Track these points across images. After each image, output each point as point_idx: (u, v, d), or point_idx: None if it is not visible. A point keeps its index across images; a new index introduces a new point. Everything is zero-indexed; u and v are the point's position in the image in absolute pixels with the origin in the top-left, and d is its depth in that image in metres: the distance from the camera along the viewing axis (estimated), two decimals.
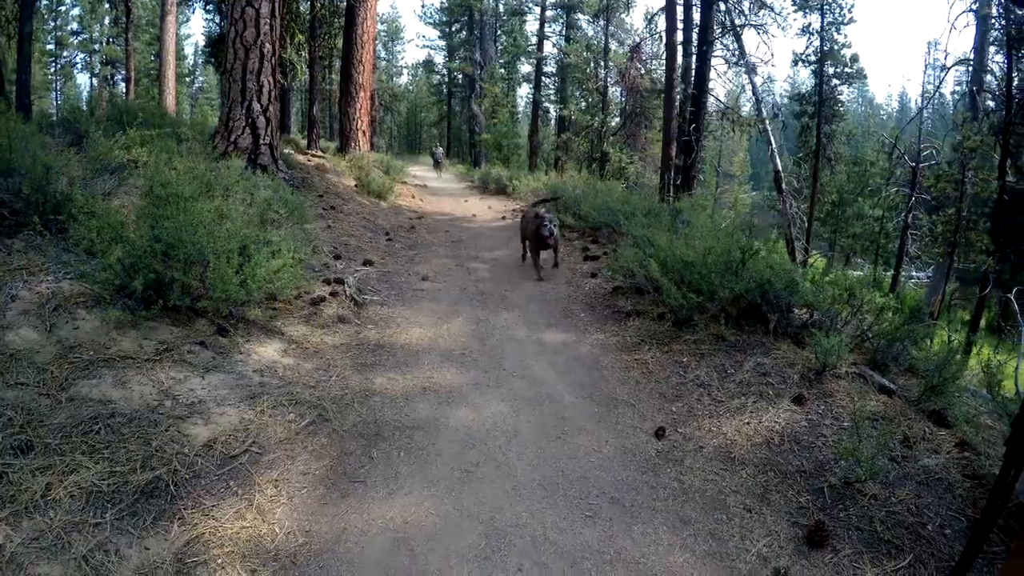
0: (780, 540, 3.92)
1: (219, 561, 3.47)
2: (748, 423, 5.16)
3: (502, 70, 49.69)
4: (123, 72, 45.16)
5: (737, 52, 22.76)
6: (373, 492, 4.24)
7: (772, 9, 23.19)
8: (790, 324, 6.71)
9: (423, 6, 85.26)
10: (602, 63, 35.43)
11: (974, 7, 21.64)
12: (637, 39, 32.33)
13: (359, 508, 4.06)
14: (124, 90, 41.77)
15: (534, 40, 47.24)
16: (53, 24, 53.01)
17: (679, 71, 20.68)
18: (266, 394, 5.13)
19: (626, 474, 4.62)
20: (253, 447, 4.47)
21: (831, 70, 34.48)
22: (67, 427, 4.16)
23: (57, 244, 6.08)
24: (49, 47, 53.23)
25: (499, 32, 51.11)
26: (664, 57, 26.42)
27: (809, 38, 33.37)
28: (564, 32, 44.85)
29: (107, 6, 50.77)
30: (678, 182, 19.98)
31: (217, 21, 34.31)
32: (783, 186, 23.73)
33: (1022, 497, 2.43)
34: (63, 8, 53.28)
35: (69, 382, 4.63)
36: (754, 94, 23.95)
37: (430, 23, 57.33)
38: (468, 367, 6.31)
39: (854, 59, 34.64)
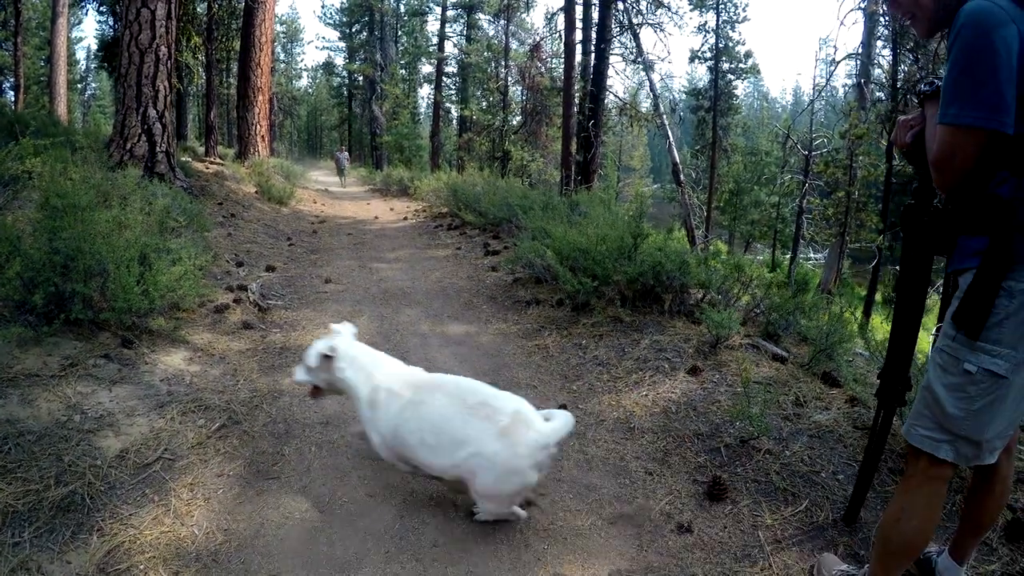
0: (682, 497, 4.17)
1: (141, 567, 3.52)
2: (646, 395, 5.47)
3: (403, 71, 49.54)
4: (11, 79, 43.36)
5: (635, 50, 23.21)
6: (287, 487, 4.35)
7: (669, 8, 23.70)
8: (684, 303, 7.14)
9: (323, 7, 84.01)
10: (503, 62, 35.61)
11: (862, 5, 22.65)
12: (537, 38, 32.67)
13: (275, 503, 4.16)
14: (12, 98, 40.18)
15: (435, 40, 47.43)
16: None
17: (578, 69, 21.01)
18: (174, 402, 5.16)
19: None
20: (166, 454, 4.51)
21: (726, 66, 35.64)
22: None
23: None
24: None
25: (400, 33, 50.92)
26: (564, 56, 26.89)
27: (705, 36, 34.46)
28: (465, 32, 45.10)
29: None
30: (579, 177, 20.30)
31: (111, 24, 33.10)
32: (681, 177, 24.34)
33: (909, 439, 2.73)
34: None
35: None
36: (652, 90, 24.45)
37: (330, 24, 56.81)
38: None
39: (748, 55, 35.94)
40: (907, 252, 2.96)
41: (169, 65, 12.40)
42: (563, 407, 5.30)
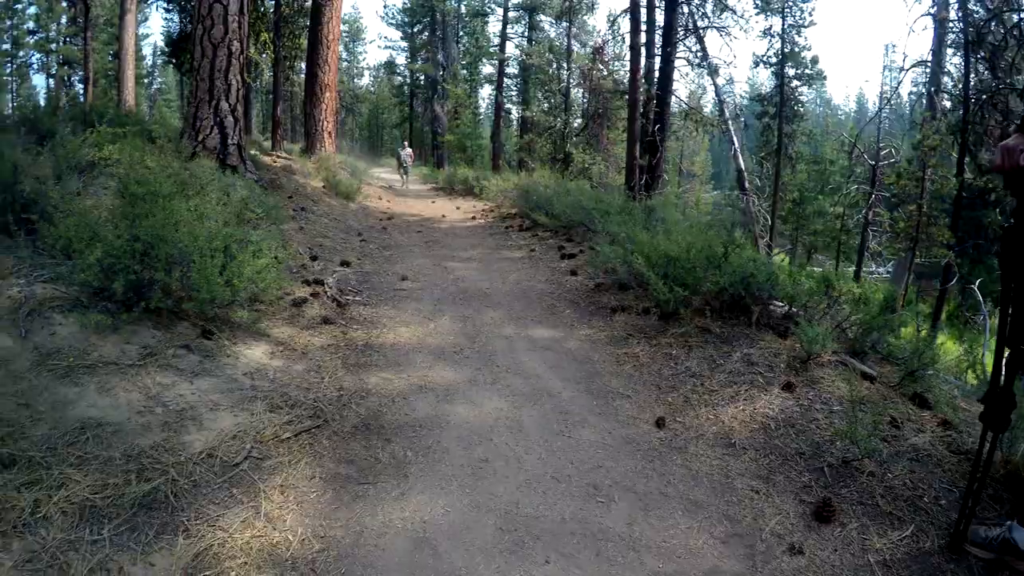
0: (790, 518, 4.05)
1: (233, 574, 3.35)
2: (743, 410, 5.27)
3: (464, 71, 49.59)
4: (81, 72, 44.35)
5: (700, 54, 22.90)
6: (384, 493, 4.16)
7: (734, 12, 23.35)
8: (771, 316, 6.86)
9: (385, 7, 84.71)
10: (565, 64, 35.44)
11: (932, 11, 22.02)
12: (600, 40, 32.46)
13: (373, 510, 3.97)
14: (82, 91, 41.01)
15: (496, 41, 47.19)
16: (9, 23, 51.93)
17: (643, 72, 20.74)
18: (259, 398, 5.00)
19: (633, 463, 4.66)
20: (253, 452, 4.34)
21: (791, 71, 34.96)
22: (51, 438, 3.98)
23: (27, 245, 5.85)
24: (4, 47, 52.16)
25: (461, 33, 50.93)
26: (627, 58, 26.57)
27: (770, 40, 33.83)
28: (527, 33, 44.75)
29: (64, 5, 49.90)
30: (643, 182, 20.02)
31: (177, 20, 33.86)
32: (746, 184, 23.98)
33: None
34: (19, 7, 52.19)
35: (50, 391, 4.43)
36: (717, 95, 24.20)
37: (392, 24, 56.99)
38: (461, 365, 6.25)
39: (814, 61, 35.17)
40: (1009, 272, 2.85)
41: (241, 60, 12.41)
42: (661, 420, 5.18)
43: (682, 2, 20.93)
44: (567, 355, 6.67)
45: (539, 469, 4.52)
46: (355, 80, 66.19)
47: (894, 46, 30.61)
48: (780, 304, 7.04)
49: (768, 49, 34.12)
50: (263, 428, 4.61)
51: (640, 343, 6.79)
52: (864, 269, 27.44)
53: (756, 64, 36.00)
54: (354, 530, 3.79)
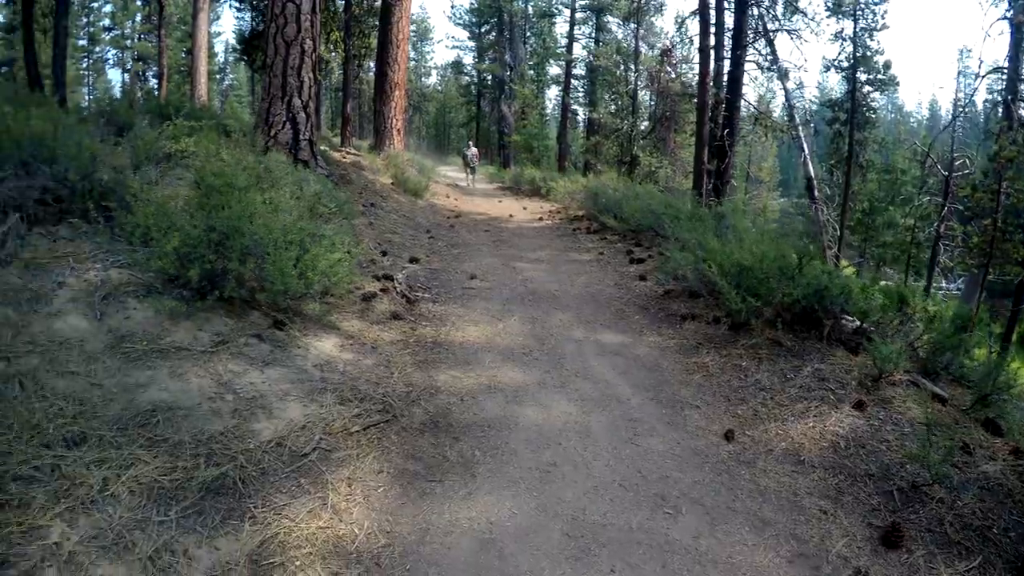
0: (857, 541, 3.96)
1: (298, 563, 3.36)
2: (813, 427, 5.14)
3: (532, 72, 49.50)
4: (155, 68, 45.81)
5: (770, 57, 22.53)
6: (452, 492, 4.15)
7: (805, 14, 22.88)
8: (842, 331, 6.68)
9: (452, 7, 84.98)
10: (632, 66, 35.19)
11: (1008, 15, 21.37)
12: (667, 42, 32.15)
13: (439, 508, 3.96)
14: (156, 86, 42.21)
15: (564, 42, 47.11)
16: (86, 20, 53.54)
17: (711, 75, 20.46)
18: (329, 390, 5.03)
19: (702, 475, 4.58)
20: (322, 443, 4.36)
21: (863, 76, 34.17)
22: (122, 419, 4.06)
23: (103, 232, 6.00)
24: (81, 43, 53.81)
25: (528, 34, 50.83)
26: (695, 61, 26.27)
27: (842, 44, 33.11)
28: (594, 34, 44.61)
29: (139, 3, 51.43)
30: (710, 187, 19.75)
31: (248, 19, 34.66)
32: (815, 193, 23.52)
33: None
34: (95, 5, 53.87)
35: (122, 372, 4.53)
36: (787, 99, 23.76)
37: (459, 24, 57.26)
38: (530, 366, 6.22)
39: (887, 66, 34.29)
40: None
41: (313, 57, 12.58)
42: (730, 432, 5.09)
43: (752, 3, 20.56)
44: (636, 361, 6.58)
45: (607, 476, 4.46)
46: (423, 79, 66.72)
47: (969, 50, 29.69)
48: (851, 319, 6.85)
49: (839, 53, 33.46)
50: (332, 420, 4.64)
51: (710, 353, 6.68)
52: (934, 285, 26.73)
53: (827, 68, 35.45)
54: (420, 527, 3.78)
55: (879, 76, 34.77)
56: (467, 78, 59.25)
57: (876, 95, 36.05)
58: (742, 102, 21.91)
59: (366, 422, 4.73)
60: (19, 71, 42.65)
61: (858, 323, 6.73)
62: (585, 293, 8.88)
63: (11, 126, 5.96)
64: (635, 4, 34.86)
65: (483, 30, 54.92)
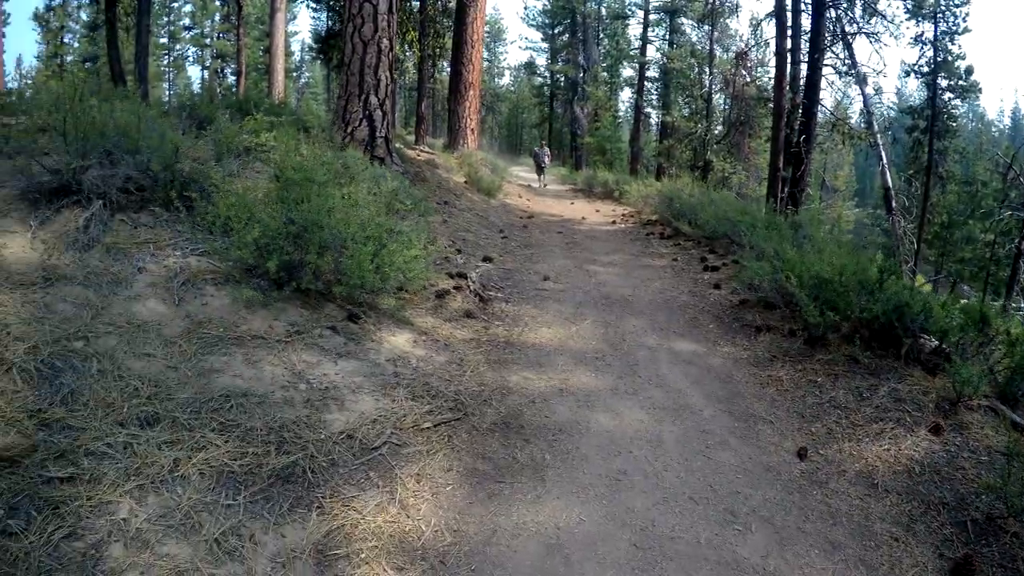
0: (928, 571, 3.83)
1: (363, 556, 3.38)
2: (888, 450, 4.97)
3: (605, 74, 49.21)
4: (233, 65, 47.12)
5: (848, 61, 22.03)
6: (520, 494, 4.12)
7: (884, 16, 22.22)
8: (920, 350, 6.39)
9: (526, 8, 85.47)
10: (706, 69, 34.80)
11: None
12: (742, 45, 31.67)
13: (507, 510, 3.94)
14: (234, 82, 43.25)
15: (637, 44, 46.70)
16: (166, 19, 55.37)
17: (787, 79, 20.10)
18: (401, 385, 5.06)
19: (773, 493, 4.46)
20: (392, 438, 4.39)
21: (944, 82, 33.13)
22: (196, 402, 4.15)
23: (183, 221, 6.16)
24: (162, 40, 55.63)
25: (602, 35, 50.59)
26: (770, 64, 25.82)
27: (922, 48, 32.13)
28: (667, 36, 44.23)
29: (218, 3, 52.95)
30: (784, 194, 19.37)
31: (324, 19, 35.38)
32: (893, 204, 22.95)
33: None
34: (176, 4, 55.81)
35: (198, 357, 4.63)
36: (865, 106, 23.18)
37: (532, 25, 57.46)
38: (603, 371, 6.15)
39: (968, 71, 33.14)
40: None
41: (390, 57, 12.76)
42: (803, 450, 4.97)
43: (830, 5, 20.09)
44: (709, 372, 6.47)
45: (677, 488, 4.39)
46: (496, 79, 67.16)
47: None
48: (929, 338, 6.56)
49: (919, 57, 32.51)
50: (404, 415, 4.67)
51: (784, 366, 6.51)
52: (1012, 304, 25.88)
53: (907, 74, 34.46)
54: (487, 528, 3.77)
55: (960, 82, 33.66)
56: (540, 79, 59.38)
57: (957, 102, 35.00)
58: (819, 108, 21.48)
59: (437, 419, 4.75)
60: (102, 67, 44.32)
61: (937, 343, 6.42)
62: (659, 299, 8.78)
63: (96, 118, 6.14)
64: (709, 6, 34.41)
65: (556, 31, 54.97)
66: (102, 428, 3.72)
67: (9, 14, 50.52)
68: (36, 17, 51.64)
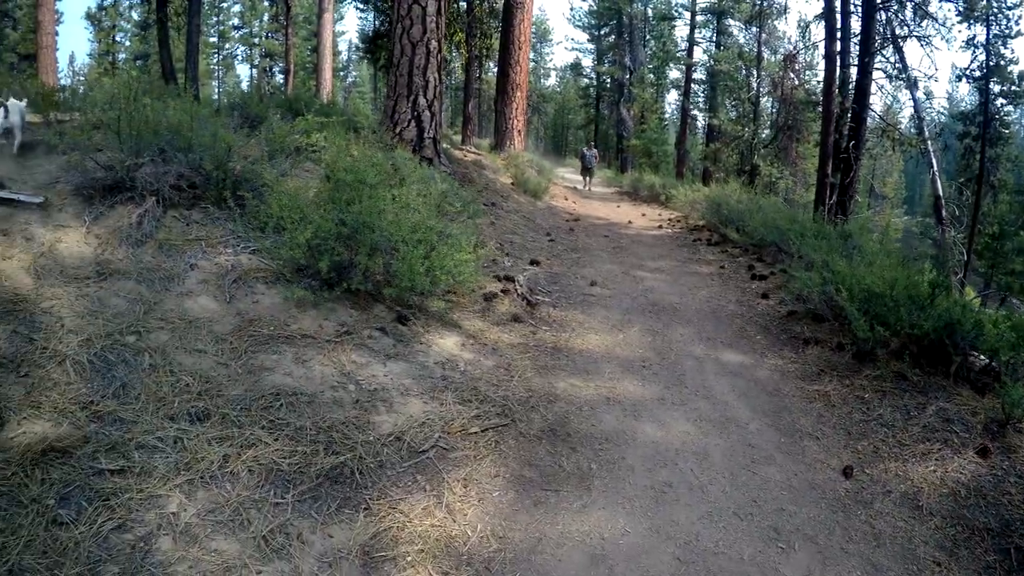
0: None
1: (409, 559, 3.40)
2: (934, 471, 4.86)
3: (651, 75, 48.89)
4: (281, 64, 47.82)
5: (898, 65, 21.63)
6: (566, 503, 4.11)
7: (935, 19, 21.68)
8: (970, 368, 6.22)
9: (572, 9, 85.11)
10: (754, 71, 34.44)
11: None
12: (790, 47, 31.23)
13: (552, 519, 3.94)
14: (282, 81, 43.83)
15: (684, 46, 46.22)
16: (216, 19, 56.45)
17: (837, 83, 19.78)
18: (450, 388, 5.10)
19: (817, 511, 4.40)
20: (440, 442, 4.42)
21: (996, 88, 32.39)
22: (246, 400, 4.23)
23: (234, 219, 6.24)
24: (212, 39, 56.62)
25: (648, 37, 50.23)
26: (819, 67, 25.43)
27: (974, 52, 31.40)
28: (715, 38, 43.68)
29: (266, 3, 53.84)
30: (832, 201, 19.06)
31: (371, 19, 35.81)
32: (944, 214, 22.52)
33: None
34: (225, 4, 57.03)
35: (248, 355, 4.72)
36: (916, 111, 22.74)
37: (579, 26, 56.98)
38: (649, 381, 6.10)
39: (1022, 76, 32.38)
40: None
41: (439, 58, 12.84)
42: (848, 469, 4.88)
43: (880, 8, 19.70)
44: (756, 384, 6.38)
45: (722, 502, 4.35)
46: (542, 80, 67.00)
47: None
48: (979, 356, 6.37)
49: (971, 61, 31.81)
50: (452, 419, 4.69)
51: (832, 381, 6.38)
52: None
53: (958, 78, 33.77)
54: (533, 535, 3.77)
55: (1013, 87, 32.91)
56: (586, 80, 59.02)
57: (1010, 108, 34.23)
58: (868, 112, 21.13)
59: (485, 424, 4.76)
60: (153, 65, 45.21)
61: (987, 361, 6.26)
62: (706, 308, 8.69)
63: (150, 116, 6.26)
64: (757, 7, 34.05)
65: (602, 32, 54.58)
66: (153, 422, 3.82)
67: (62, 13, 51.76)
68: (88, 16, 53.29)
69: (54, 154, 6.56)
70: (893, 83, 23.49)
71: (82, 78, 58.06)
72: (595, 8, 53.36)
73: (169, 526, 3.22)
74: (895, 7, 20.44)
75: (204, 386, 4.25)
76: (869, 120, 20.97)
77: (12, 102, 6.54)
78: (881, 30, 20.02)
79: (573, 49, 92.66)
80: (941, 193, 21.86)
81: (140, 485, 3.38)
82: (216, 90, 58.10)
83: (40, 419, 3.67)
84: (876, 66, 20.24)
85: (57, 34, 29.49)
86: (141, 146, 6.17)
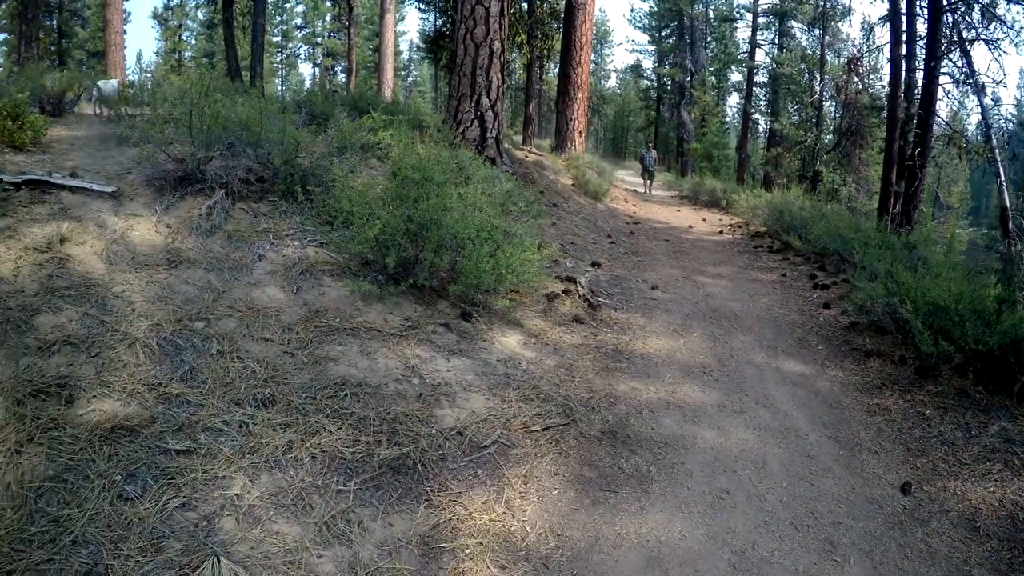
0: None
1: (467, 551, 3.45)
2: (993, 492, 4.76)
3: (712, 78, 48.47)
4: (343, 63, 48.78)
5: (965, 69, 21.06)
6: (624, 504, 4.13)
7: (1004, 22, 20.96)
8: None
9: (632, 11, 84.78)
10: (817, 75, 33.86)
11: None
12: (854, 50, 30.58)
13: (611, 519, 3.97)
14: (344, 80, 44.50)
15: (745, 48, 45.50)
16: (280, 19, 57.86)
17: (903, 87, 19.34)
18: (511, 386, 5.15)
19: (874, 526, 4.35)
20: (502, 438, 4.47)
21: None
22: (311, 388, 4.34)
23: (301, 212, 6.42)
24: (275, 39, 57.93)
25: (709, 39, 49.69)
26: (883, 71, 24.84)
27: None
28: (777, 40, 42.83)
29: (329, 3, 54.76)
30: (896, 211, 18.65)
31: (432, 20, 36.30)
32: (1010, 226, 21.94)
33: None
34: (289, 5, 58.65)
35: (314, 345, 4.84)
36: (983, 117, 22.12)
37: (639, 27, 56.70)
38: (709, 387, 6.08)
39: None
40: None
41: (502, 59, 12.91)
42: (907, 485, 4.80)
43: (947, 10, 19.19)
44: (816, 395, 6.31)
45: (779, 512, 4.33)
46: (602, 82, 66.80)
47: None
48: None
49: None
50: (513, 416, 4.74)
51: (893, 395, 6.28)
52: None
53: None
54: (590, 535, 3.80)
55: None
56: (646, 82, 58.78)
57: None
58: (935, 119, 20.61)
59: (546, 423, 4.80)
60: (219, 62, 46.25)
61: None
62: (767, 316, 8.61)
63: (220, 112, 6.42)
64: (820, 9, 33.46)
65: (663, 34, 54.19)
66: (219, 406, 3.95)
67: (129, 12, 53.67)
68: (155, 16, 55.56)
69: (125, 146, 6.78)
70: (960, 88, 22.88)
71: (149, 75, 59.69)
72: (656, 9, 53.07)
73: (232, 507, 3.33)
74: (962, 9, 19.89)
75: (270, 373, 4.38)
76: (935, 127, 20.45)
77: (102, 82, 7.03)
78: (948, 33, 19.49)
79: (633, 51, 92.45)
80: (1008, 204, 21.24)
81: (205, 466, 3.51)
82: (280, 88, 59.24)
83: (109, 398, 3.82)
84: (942, 70, 19.73)
85: (125, 32, 30.44)
86: (211, 140, 6.37)
